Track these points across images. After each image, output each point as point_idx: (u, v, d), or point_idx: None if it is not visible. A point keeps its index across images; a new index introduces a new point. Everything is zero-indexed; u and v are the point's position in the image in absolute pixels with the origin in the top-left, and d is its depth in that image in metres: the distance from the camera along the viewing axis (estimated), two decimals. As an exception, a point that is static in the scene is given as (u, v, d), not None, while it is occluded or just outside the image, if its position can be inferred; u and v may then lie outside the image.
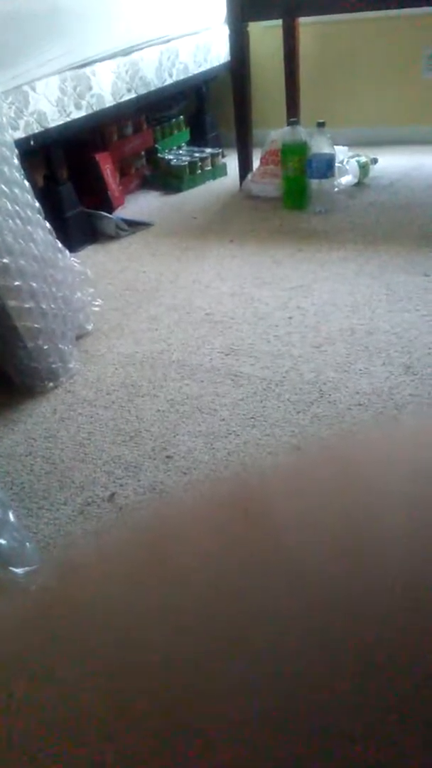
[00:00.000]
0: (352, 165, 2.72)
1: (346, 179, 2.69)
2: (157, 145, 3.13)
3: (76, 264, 1.88)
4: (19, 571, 0.94)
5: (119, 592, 0.16)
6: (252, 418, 1.49)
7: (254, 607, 0.14)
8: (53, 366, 1.66)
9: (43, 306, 1.59)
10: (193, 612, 0.14)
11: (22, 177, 1.58)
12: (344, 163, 2.69)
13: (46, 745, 0.13)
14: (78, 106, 2.36)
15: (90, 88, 2.40)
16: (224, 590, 0.15)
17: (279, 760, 0.12)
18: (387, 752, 0.12)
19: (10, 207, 1.51)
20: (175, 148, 3.24)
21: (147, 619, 0.15)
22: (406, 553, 0.14)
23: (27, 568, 0.96)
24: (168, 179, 3.06)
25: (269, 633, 0.14)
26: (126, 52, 2.56)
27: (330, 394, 1.53)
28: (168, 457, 1.41)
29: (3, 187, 1.50)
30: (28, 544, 1.02)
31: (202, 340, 1.83)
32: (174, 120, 3.25)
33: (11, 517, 1.02)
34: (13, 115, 2.07)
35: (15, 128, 2.06)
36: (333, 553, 0.15)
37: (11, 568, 0.94)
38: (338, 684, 0.13)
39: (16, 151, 1.58)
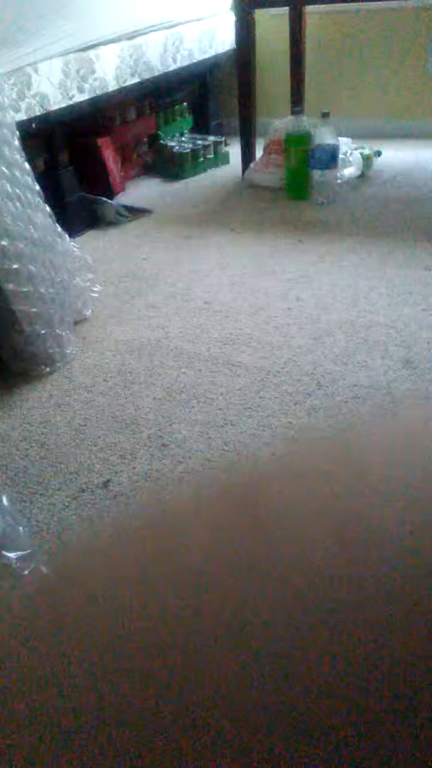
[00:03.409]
0: (356, 157, 2.70)
1: (349, 171, 2.68)
2: (159, 132, 3.11)
3: (75, 249, 1.87)
4: (11, 555, 0.94)
5: (112, 579, 0.16)
6: (249, 408, 1.49)
7: (249, 595, 0.14)
8: (50, 351, 1.65)
9: (42, 290, 1.58)
10: (188, 599, 0.14)
11: (23, 159, 1.56)
12: (348, 154, 2.68)
13: (38, 735, 0.13)
14: (81, 90, 2.33)
15: (93, 72, 2.37)
16: (219, 579, 0.14)
17: (277, 755, 0.12)
18: (387, 752, 0.12)
19: (9, 189, 1.49)
20: (177, 134, 3.21)
21: (140, 605, 0.14)
22: (404, 542, 0.14)
23: (20, 553, 0.95)
24: (170, 166, 3.04)
25: (264, 622, 0.13)
26: (130, 36, 2.54)
27: (327, 386, 1.53)
28: (163, 445, 1.40)
29: (3, 168, 1.48)
30: (21, 528, 1.02)
31: (200, 328, 1.82)
32: (177, 106, 3.22)
33: (5, 501, 1.02)
34: (15, 96, 2.05)
35: (17, 110, 2.03)
36: (328, 543, 0.14)
37: (4, 552, 0.94)
38: (338, 679, 0.12)
39: (17, 133, 1.56)
